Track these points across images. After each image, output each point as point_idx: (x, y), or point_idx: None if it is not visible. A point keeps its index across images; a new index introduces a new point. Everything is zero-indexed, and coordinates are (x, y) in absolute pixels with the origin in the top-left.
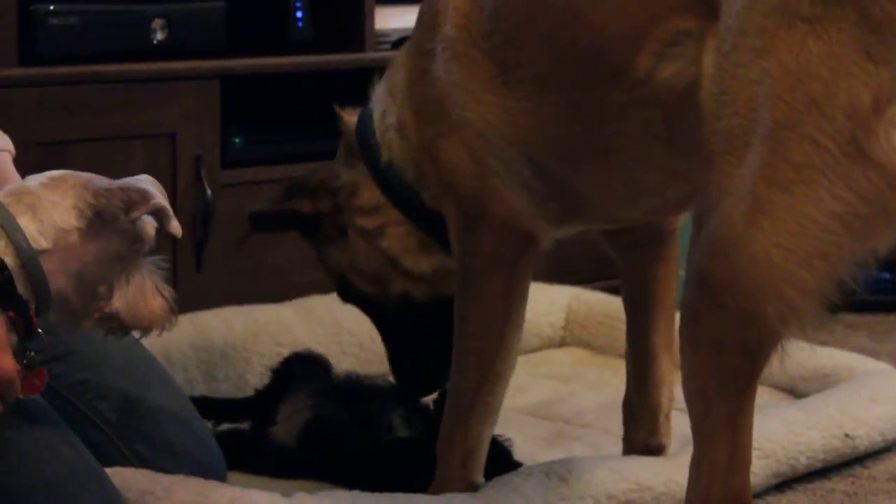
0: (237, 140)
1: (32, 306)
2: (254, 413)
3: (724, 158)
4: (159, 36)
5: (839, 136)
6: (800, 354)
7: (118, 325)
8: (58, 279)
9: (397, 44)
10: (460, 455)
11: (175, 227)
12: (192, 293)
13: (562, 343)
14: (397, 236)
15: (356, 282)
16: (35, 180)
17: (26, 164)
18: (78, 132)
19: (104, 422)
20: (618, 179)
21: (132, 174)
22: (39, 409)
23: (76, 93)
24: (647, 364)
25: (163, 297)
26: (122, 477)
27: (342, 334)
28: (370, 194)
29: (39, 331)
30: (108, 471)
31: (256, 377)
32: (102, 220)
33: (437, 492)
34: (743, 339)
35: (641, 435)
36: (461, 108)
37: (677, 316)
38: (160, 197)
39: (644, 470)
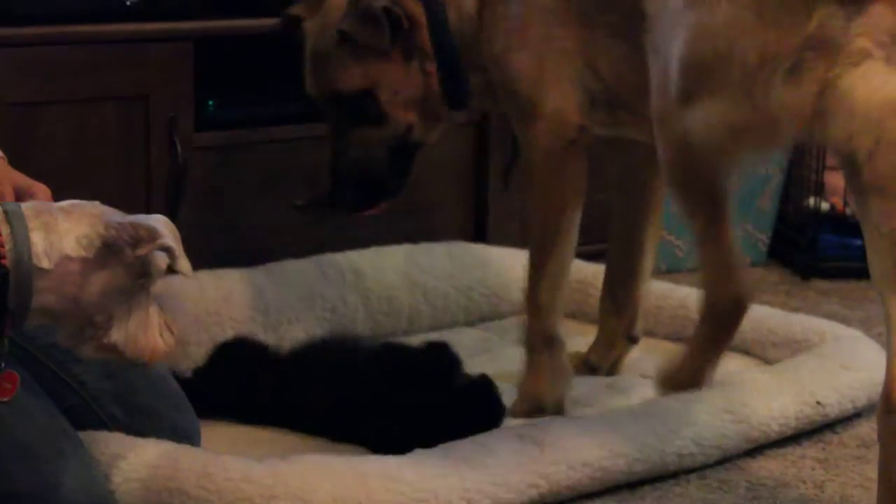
0: (211, 103)
1: (9, 319)
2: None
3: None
4: None
5: (734, 79)
6: (771, 321)
7: (118, 356)
8: (47, 298)
9: None
10: (537, 322)
11: (183, 266)
12: None
13: None
14: None
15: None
16: (57, 204)
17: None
18: (51, 94)
19: (79, 385)
20: None
21: (104, 137)
22: None
23: (49, 54)
24: (635, 260)
25: (171, 333)
26: (95, 440)
27: (315, 299)
28: None
29: (5, 340)
30: (82, 434)
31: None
32: (110, 251)
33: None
34: (700, 181)
35: (623, 327)
36: (545, 27)
37: None
38: (169, 237)
39: (618, 436)
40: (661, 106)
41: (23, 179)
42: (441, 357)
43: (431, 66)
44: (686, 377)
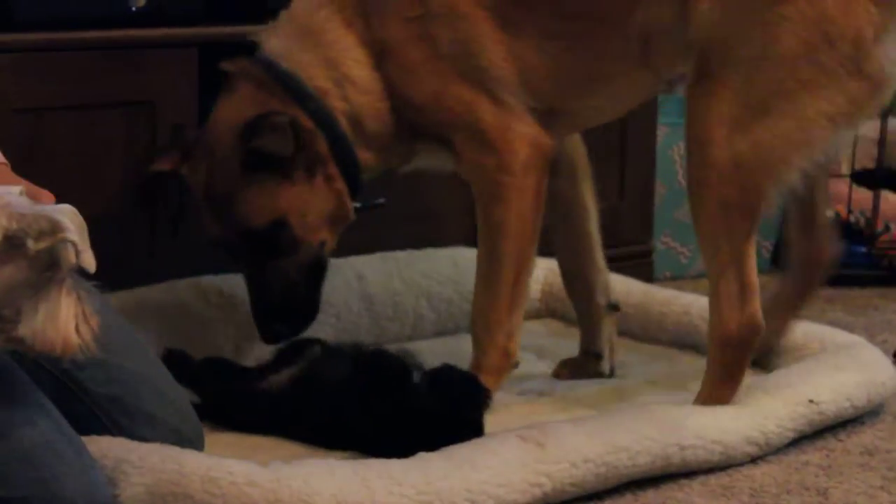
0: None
1: None
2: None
3: (733, 78)
4: (138, 3)
5: (845, 60)
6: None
7: (28, 349)
8: None
9: None
10: (504, 335)
11: (86, 261)
12: (168, 261)
13: (538, 315)
14: None
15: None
16: None
17: (4, 132)
18: (56, 100)
19: (82, 391)
20: (603, 98)
21: (110, 143)
22: (15, 379)
23: (54, 60)
24: (582, 230)
25: (88, 326)
26: (99, 445)
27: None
28: None
29: None
30: (85, 439)
31: (231, 346)
32: (11, 245)
33: (484, 370)
34: (743, 202)
35: (603, 298)
36: (476, 60)
37: None
38: (72, 230)
39: (619, 431)
40: (717, 126)
41: (28, 186)
42: (389, 361)
43: (333, 170)
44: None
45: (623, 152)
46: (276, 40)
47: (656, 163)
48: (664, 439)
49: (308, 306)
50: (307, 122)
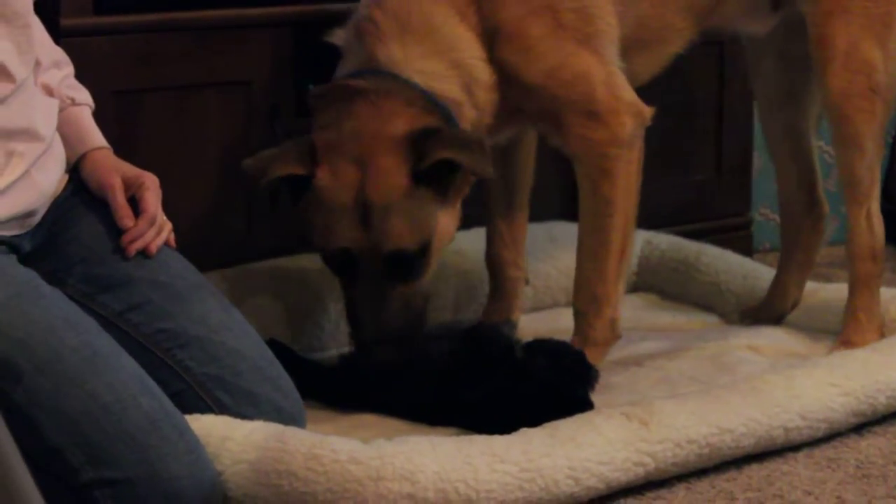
0: (311, 88)
1: None
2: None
3: (868, 5)
4: None
5: None
6: None
7: None
8: None
9: None
10: (611, 307)
11: None
12: (264, 240)
13: (634, 288)
14: None
15: None
16: None
17: (101, 113)
18: (152, 81)
19: (184, 370)
20: (666, 51)
21: (207, 123)
22: (118, 359)
23: (150, 41)
24: (521, 213)
25: None
26: (202, 424)
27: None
28: None
29: None
30: (188, 418)
31: (332, 325)
32: None
33: (591, 342)
34: (885, 122)
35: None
36: (597, 23)
37: None
38: None
39: (724, 412)
40: (873, 51)
41: (130, 169)
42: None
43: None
44: (873, 317)
45: (720, 123)
46: (395, 48)
47: (754, 133)
48: (769, 422)
49: (418, 333)
50: None
